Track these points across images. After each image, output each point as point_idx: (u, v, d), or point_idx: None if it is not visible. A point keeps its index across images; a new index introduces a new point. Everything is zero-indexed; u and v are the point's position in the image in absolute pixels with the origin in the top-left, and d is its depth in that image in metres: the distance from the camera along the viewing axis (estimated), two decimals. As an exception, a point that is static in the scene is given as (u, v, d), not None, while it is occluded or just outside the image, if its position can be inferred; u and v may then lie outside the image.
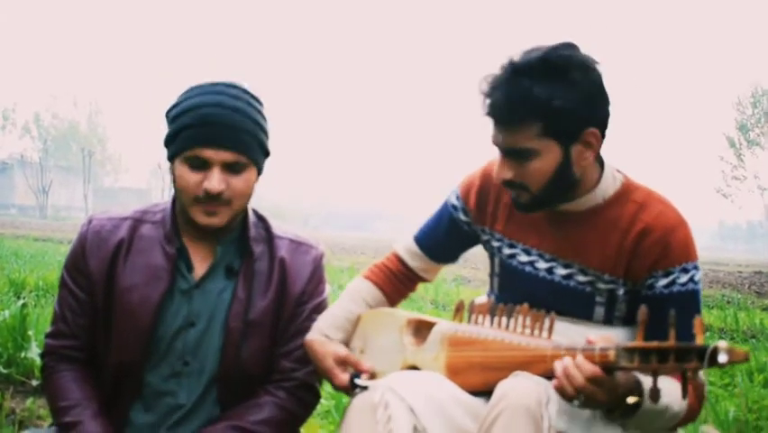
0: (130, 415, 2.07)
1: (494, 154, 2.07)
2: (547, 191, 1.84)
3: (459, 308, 1.94)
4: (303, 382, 2.12)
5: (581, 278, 1.90)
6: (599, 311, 1.89)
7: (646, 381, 1.62)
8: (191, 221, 2.03)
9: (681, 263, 1.83)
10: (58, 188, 74.82)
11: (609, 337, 1.63)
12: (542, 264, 1.95)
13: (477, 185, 2.09)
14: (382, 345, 2.09)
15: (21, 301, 4.52)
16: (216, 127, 1.93)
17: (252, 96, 2.03)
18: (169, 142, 2.00)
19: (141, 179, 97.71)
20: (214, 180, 1.94)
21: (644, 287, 1.85)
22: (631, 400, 1.63)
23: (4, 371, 3.85)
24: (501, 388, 1.67)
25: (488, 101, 1.80)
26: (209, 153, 1.93)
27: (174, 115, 1.99)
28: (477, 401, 1.79)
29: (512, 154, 1.82)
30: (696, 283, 1.84)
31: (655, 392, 1.48)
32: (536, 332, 1.72)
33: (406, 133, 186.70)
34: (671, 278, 1.82)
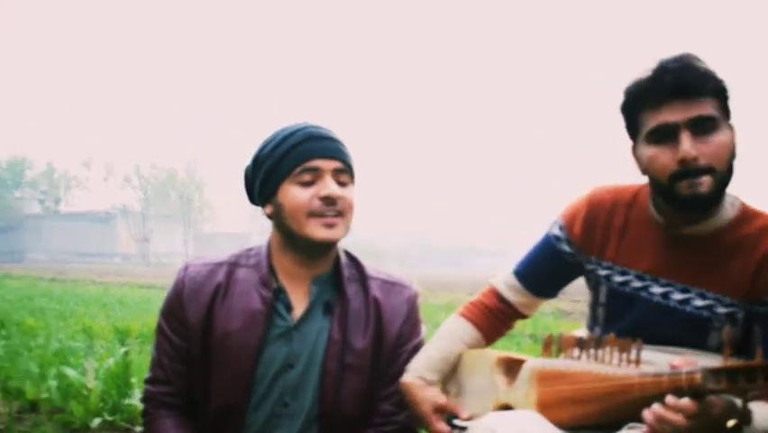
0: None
1: (598, 183, 2.01)
2: (728, 174, 1.76)
3: (548, 344, 1.88)
4: (403, 427, 2.11)
5: (699, 302, 1.82)
6: (714, 337, 1.81)
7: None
8: (301, 242, 2.04)
9: None
10: (158, 236, 77.19)
11: (693, 361, 1.56)
12: (657, 289, 1.87)
13: (583, 213, 2.01)
14: (476, 387, 2.07)
15: (124, 349, 4.61)
16: (324, 140, 2.05)
17: None
18: (269, 177, 2.04)
19: (239, 224, 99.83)
20: (331, 185, 2.01)
21: (758, 303, 1.78)
22: (731, 423, 1.55)
23: (109, 418, 3.93)
24: None
25: (665, 77, 1.74)
26: (319, 162, 2.01)
27: (270, 149, 2.04)
28: None
29: (699, 125, 1.73)
30: None
31: (746, 415, 1.45)
32: (624, 361, 1.67)
33: (503, 167, 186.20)
34: None
